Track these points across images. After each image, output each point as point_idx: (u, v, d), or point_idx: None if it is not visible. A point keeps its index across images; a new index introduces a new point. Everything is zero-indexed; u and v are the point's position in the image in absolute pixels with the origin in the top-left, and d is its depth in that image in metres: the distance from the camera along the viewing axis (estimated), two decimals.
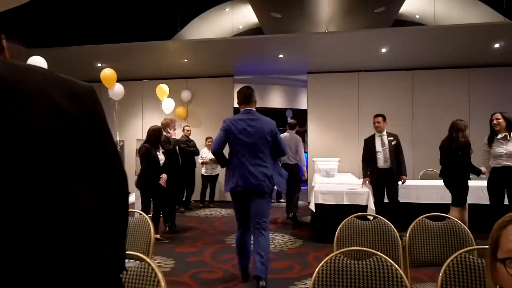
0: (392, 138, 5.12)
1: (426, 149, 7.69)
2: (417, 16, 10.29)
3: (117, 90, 6.75)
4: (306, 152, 8.37)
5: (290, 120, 6.90)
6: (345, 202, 4.99)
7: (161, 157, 5.12)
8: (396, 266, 1.64)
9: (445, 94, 7.90)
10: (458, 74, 7.87)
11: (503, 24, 6.38)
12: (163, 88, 7.97)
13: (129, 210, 2.98)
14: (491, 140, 4.53)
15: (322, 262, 1.67)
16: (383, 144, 5.09)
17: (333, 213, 5.03)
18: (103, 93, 6.79)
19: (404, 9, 9.84)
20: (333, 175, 6.77)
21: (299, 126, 13.16)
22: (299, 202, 8.25)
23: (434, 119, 7.91)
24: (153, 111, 8.98)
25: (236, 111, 8.92)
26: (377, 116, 5.26)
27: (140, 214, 2.71)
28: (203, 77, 8.85)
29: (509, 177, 4.34)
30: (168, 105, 8.18)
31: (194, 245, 5.02)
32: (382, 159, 5.05)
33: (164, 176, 5.03)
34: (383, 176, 5.04)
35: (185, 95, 8.74)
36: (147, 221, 2.67)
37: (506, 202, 4.44)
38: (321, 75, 8.41)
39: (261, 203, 3.46)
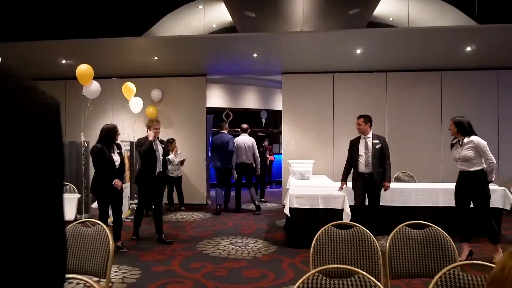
0: (377, 141, 4.81)
1: (400, 151, 7.70)
2: (391, 19, 10.34)
3: (93, 87, 6.31)
4: (277, 153, 8.82)
5: (243, 125, 7.83)
6: (320, 206, 4.85)
7: (116, 158, 4.70)
8: (381, 285, 1.47)
9: (418, 96, 7.94)
10: (431, 77, 7.92)
11: (474, 28, 6.43)
12: (129, 87, 7.60)
13: (89, 219, 2.69)
14: (451, 145, 4.55)
15: (299, 283, 1.48)
16: (366, 147, 4.83)
17: (307, 218, 4.89)
18: (72, 90, 6.39)
19: (378, 11, 9.87)
20: (308, 178, 6.64)
21: (273, 127, 13.14)
22: (273, 205, 8.15)
23: (408, 121, 7.94)
24: (122, 111, 8.60)
25: (208, 111, 8.72)
26: (358, 117, 4.94)
27: (99, 224, 2.45)
28: (174, 76, 8.55)
29: (465, 181, 4.30)
30: (136, 104, 7.83)
31: (162, 252, 4.74)
32: (364, 163, 4.81)
33: (116, 181, 4.60)
34: (364, 181, 4.82)
35: (156, 94, 8.41)
36: (106, 232, 2.41)
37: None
38: (295, 75, 8.29)
39: (227, 173, 7.34)
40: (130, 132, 8.55)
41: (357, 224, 2.41)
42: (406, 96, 7.97)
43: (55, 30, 7.44)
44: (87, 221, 2.67)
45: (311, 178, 6.69)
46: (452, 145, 4.50)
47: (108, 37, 6.75)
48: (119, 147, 4.87)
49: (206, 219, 6.84)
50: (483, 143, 4.19)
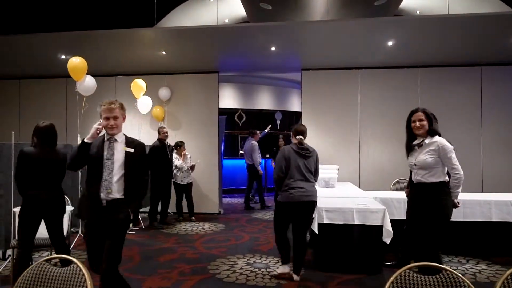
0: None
1: None
2: (418, 12, 9.55)
3: (87, 83, 5.63)
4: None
5: (251, 130, 8.75)
6: (356, 222, 4.07)
7: None
8: None
9: (455, 94, 7.10)
10: (469, 73, 7.09)
11: None
12: (139, 84, 6.94)
13: (60, 256, 1.95)
14: (409, 147, 3.48)
15: None
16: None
17: (339, 235, 4.12)
18: (74, 88, 5.73)
19: (404, 4, 9.10)
20: (333, 186, 5.88)
21: (289, 130, 12.39)
22: None
23: (442, 123, 7.04)
24: (127, 112, 7.88)
25: (220, 112, 7.99)
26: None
27: (74, 263, 1.73)
28: (184, 72, 7.85)
29: (420, 195, 3.33)
30: (144, 104, 7.16)
31: (168, 276, 4.00)
32: None
33: None
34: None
35: (164, 93, 7.72)
36: (82, 274, 1.69)
37: None
38: (316, 72, 7.52)
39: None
40: (136, 134, 7.86)
41: (447, 268, 1.64)
42: (440, 94, 7.14)
43: (51, 23, 6.80)
44: (57, 257, 1.94)
45: (336, 186, 5.93)
46: (411, 148, 3.45)
47: (111, 29, 6.09)
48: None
49: (219, 232, 6.10)
50: (450, 146, 3.21)
